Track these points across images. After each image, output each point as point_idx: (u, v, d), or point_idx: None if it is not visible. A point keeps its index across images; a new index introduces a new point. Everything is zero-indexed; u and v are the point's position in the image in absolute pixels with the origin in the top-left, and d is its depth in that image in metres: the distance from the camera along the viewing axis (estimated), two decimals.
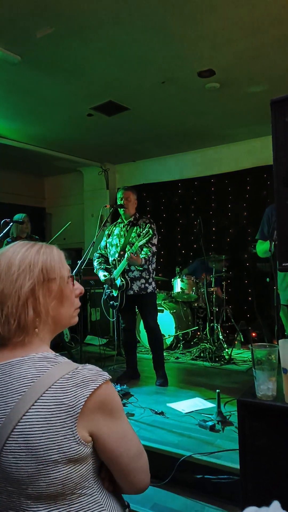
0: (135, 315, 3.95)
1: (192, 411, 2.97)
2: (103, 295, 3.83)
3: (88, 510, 0.83)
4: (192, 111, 4.72)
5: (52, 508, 0.80)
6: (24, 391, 0.81)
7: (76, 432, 0.80)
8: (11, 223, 4.35)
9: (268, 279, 3.89)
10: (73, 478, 0.81)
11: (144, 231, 3.45)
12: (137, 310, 3.91)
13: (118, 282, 3.62)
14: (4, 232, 4.26)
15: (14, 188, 7.47)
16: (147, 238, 3.41)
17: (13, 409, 0.79)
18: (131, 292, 3.62)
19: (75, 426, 0.80)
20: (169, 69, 3.70)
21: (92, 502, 0.84)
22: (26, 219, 4.56)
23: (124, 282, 3.59)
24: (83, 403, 0.81)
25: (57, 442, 0.78)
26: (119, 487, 0.92)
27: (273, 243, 1.76)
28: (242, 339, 5.09)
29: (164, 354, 4.04)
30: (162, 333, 3.86)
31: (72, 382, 0.82)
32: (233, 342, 4.94)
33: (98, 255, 3.89)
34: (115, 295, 3.68)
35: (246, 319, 5.40)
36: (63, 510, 0.81)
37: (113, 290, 3.69)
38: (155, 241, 3.61)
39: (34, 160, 6.72)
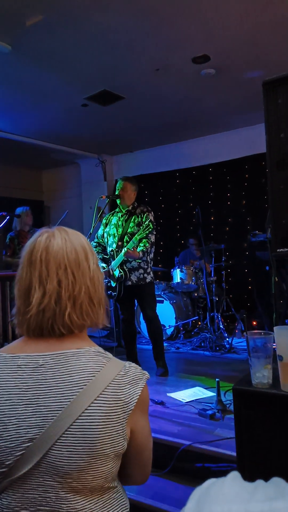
0: (134, 306, 3.92)
1: (192, 400, 2.96)
2: None
3: (114, 500, 0.88)
4: (188, 98, 4.64)
5: (88, 500, 0.83)
6: (85, 385, 0.81)
7: (125, 428, 0.84)
8: (8, 217, 4.36)
9: (267, 267, 3.86)
10: (113, 472, 0.85)
11: (144, 224, 3.41)
12: (136, 301, 3.89)
13: (117, 273, 3.59)
14: (2, 225, 4.26)
15: (11, 182, 7.42)
16: (147, 232, 3.38)
17: (74, 402, 0.80)
18: (130, 283, 3.60)
19: (126, 422, 0.84)
20: (163, 55, 3.63)
21: (116, 492, 0.89)
22: (29, 212, 4.63)
23: (122, 273, 3.56)
24: (136, 401, 0.85)
25: (112, 437, 0.81)
26: (126, 478, 0.96)
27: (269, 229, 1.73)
28: (243, 328, 5.08)
29: (165, 344, 4.04)
30: (162, 323, 3.84)
31: (126, 380, 0.85)
32: (233, 331, 4.93)
33: (95, 244, 3.85)
34: (113, 285, 3.66)
35: (246, 307, 5.39)
36: (96, 501, 0.84)
37: (111, 281, 3.67)
38: (153, 231, 3.58)
39: (31, 153, 6.66)
